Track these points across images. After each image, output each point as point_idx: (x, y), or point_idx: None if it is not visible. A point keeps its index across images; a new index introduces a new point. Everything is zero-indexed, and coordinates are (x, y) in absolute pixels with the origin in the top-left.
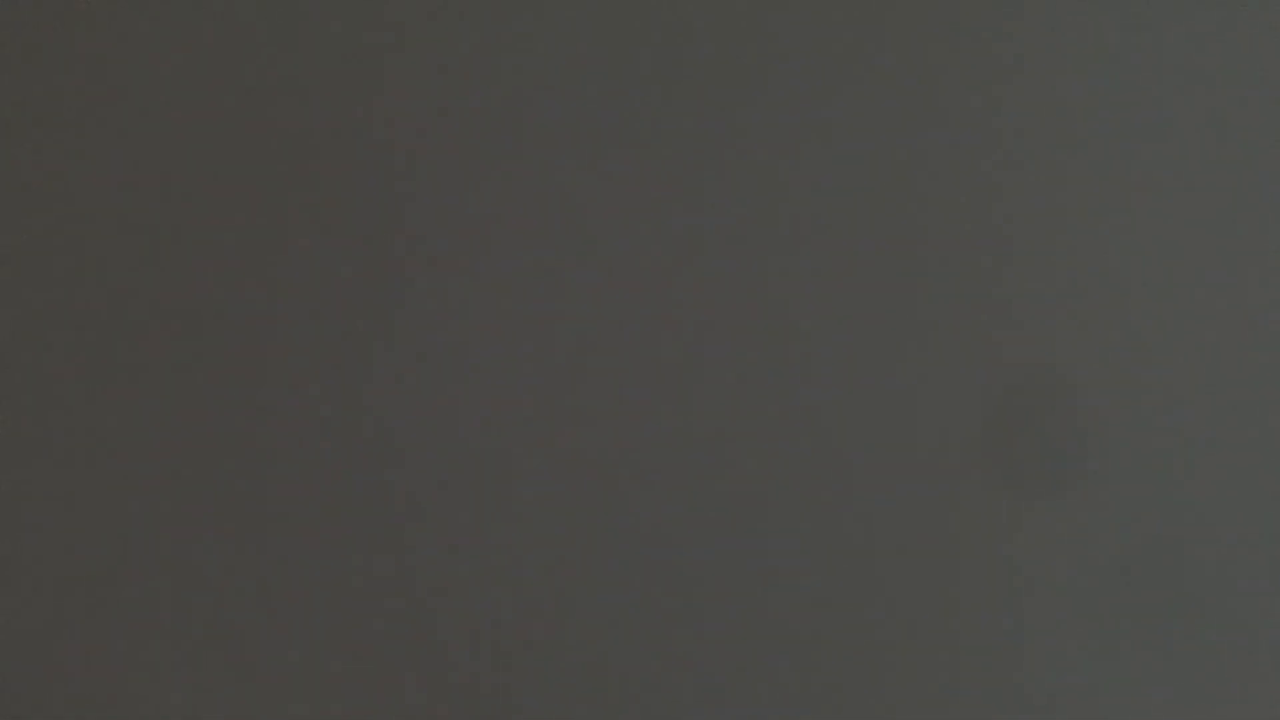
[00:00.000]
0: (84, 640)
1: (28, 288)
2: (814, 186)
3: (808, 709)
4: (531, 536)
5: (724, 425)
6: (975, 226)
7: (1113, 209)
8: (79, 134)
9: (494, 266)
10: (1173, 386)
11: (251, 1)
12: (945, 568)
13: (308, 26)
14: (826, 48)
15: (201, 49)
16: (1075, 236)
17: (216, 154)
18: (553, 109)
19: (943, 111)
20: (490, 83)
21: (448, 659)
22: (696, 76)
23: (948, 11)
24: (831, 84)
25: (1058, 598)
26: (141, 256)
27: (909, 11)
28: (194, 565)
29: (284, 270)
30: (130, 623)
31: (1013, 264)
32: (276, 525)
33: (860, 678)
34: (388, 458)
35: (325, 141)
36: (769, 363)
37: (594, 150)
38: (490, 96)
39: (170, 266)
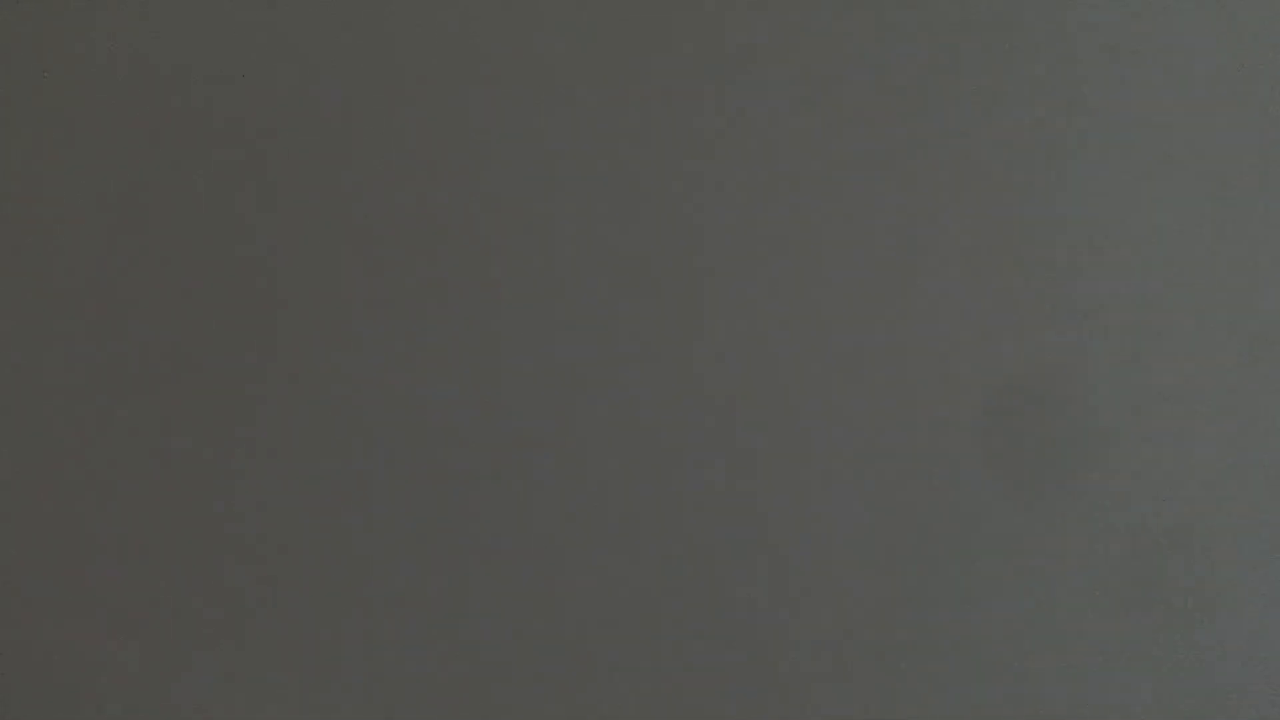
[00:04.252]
0: (84, 640)
1: (27, 287)
2: (814, 187)
3: (809, 708)
4: (532, 537)
5: (724, 426)
6: (976, 226)
7: (1113, 209)
8: (79, 134)
9: (495, 267)
10: (1173, 386)
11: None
12: (945, 567)
13: (308, 26)
14: (828, 46)
15: (201, 49)
16: (1075, 236)
17: (217, 153)
18: (552, 108)
19: (943, 110)
20: (490, 82)
21: (452, 660)
22: (696, 75)
23: (949, 10)
24: (832, 83)
25: (1057, 596)
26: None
27: (911, 10)
28: (196, 566)
29: (285, 270)
30: (132, 623)
31: (1013, 264)
32: (279, 525)
33: (862, 676)
34: (388, 457)
35: (326, 141)
36: (769, 363)
37: (593, 149)
38: (489, 96)
39: (175, 266)
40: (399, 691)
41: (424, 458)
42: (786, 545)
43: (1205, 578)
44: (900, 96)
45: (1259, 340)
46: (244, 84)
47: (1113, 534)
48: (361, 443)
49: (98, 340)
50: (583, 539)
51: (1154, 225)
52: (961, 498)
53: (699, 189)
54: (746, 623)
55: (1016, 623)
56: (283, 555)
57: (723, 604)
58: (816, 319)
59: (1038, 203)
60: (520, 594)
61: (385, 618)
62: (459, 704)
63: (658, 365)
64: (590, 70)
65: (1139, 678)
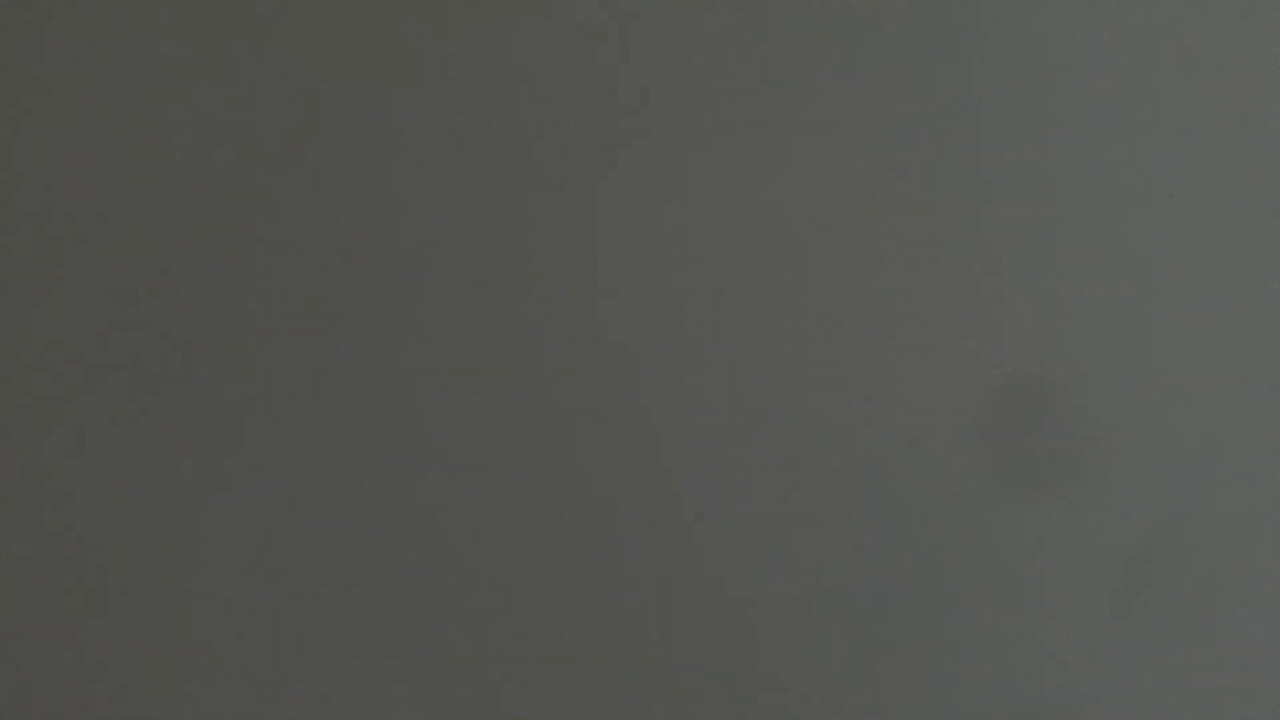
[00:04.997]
0: (85, 641)
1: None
2: (814, 186)
3: (808, 709)
4: (528, 538)
5: (723, 425)
6: (976, 226)
7: (1113, 209)
8: (80, 133)
9: (494, 266)
10: (1172, 386)
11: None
12: (944, 568)
13: (308, 26)
14: (827, 44)
15: (201, 48)
16: (1075, 236)
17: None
18: (552, 106)
19: (943, 110)
20: (491, 81)
21: (453, 660)
22: (695, 72)
23: (949, 9)
24: (832, 82)
25: (1057, 597)
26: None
27: (911, 9)
28: (197, 565)
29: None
30: (133, 623)
31: (1013, 264)
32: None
33: (861, 677)
34: (389, 457)
35: (326, 141)
36: (769, 363)
37: (593, 147)
38: (490, 95)
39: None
40: (395, 692)
41: (420, 458)
42: (785, 545)
43: (1205, 578)
44: (899, 95)
45: (1259, 340)
46: (243, 84)
47: (1113, 534)
48: (357, 444)
49: (96, 340)
50: (580, 537)
51: (1154, 225)
52: (960, 498)
53: (698, 188)
54: (744, 623)
55: (1015, 623)
56: (281, 556)
57: (720, 604)
58: (815, 318)
59: (1037, 202)
60: (519, 595)
61: (381, 619)
62: (455, 704)
63: (656, 364)
64: (589, 71)
65: (1138, 678)
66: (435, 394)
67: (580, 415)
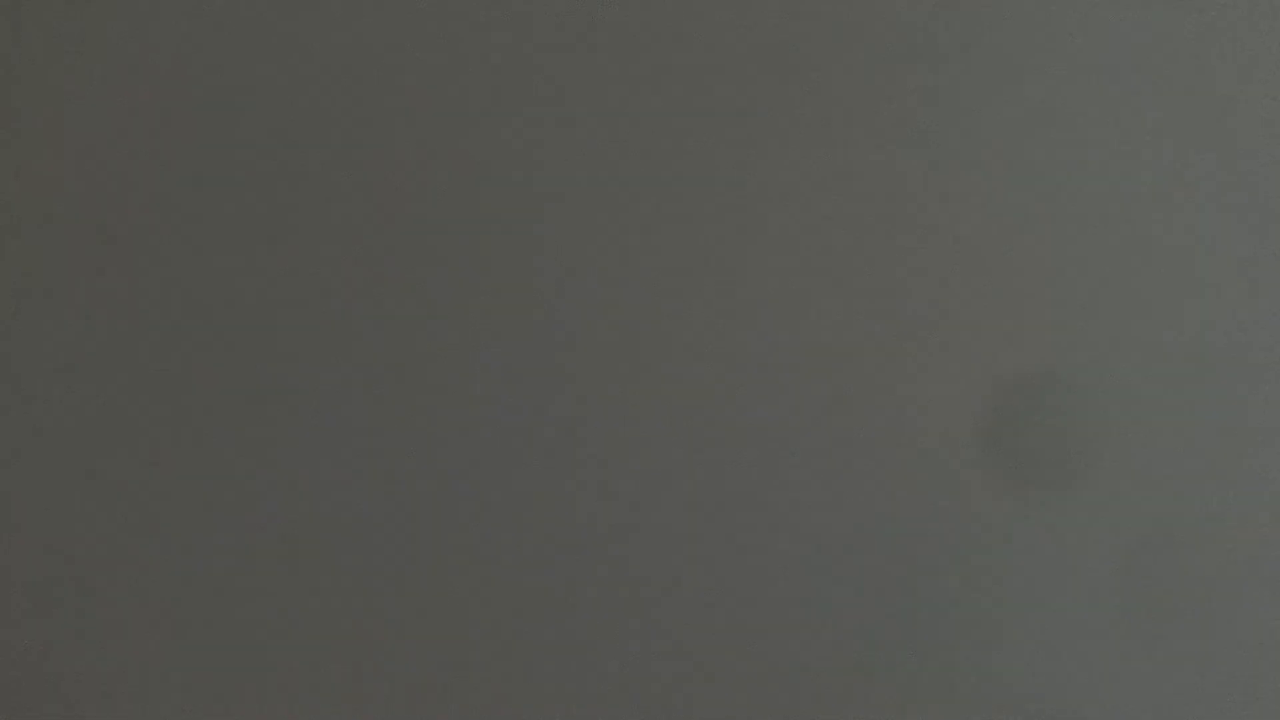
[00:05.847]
0: (85, 640)
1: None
2: (814, 186)
3: (809, 709)
4: (526, 538)
5: (724, 425)
6: (976, 226)
7: (1113, 209)
8: (82, 134)
9: (492, 267)
10: (1172, 386)
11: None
12: (945, 568)
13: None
14: (827, 44)
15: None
16: (1075, 236)
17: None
18: (546, 110)
19: (943, 110)
20: (490, 81)
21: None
22: (694, 73)
23: (948, 9)
24: (832, 82)
25: (1057, 597)
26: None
27: (910, 9)
28: (200, 566)
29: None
30: (135, 624)
31: (1013, 264)
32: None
33: (862, 677)
34: (391, 459)
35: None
36: (769, 363)
37: (594, 149)
38: (489, 94)
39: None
40: (395, 692)
41: (418, 458)
42: (786, 545)
43: (1205, 578)
44: (901, 94)
45: (1259, 340)
46: (242, 84)
47: (1113, 534)
48: (355, 444)
49: (98, 341)
50: (582, 539)
51: (1155, 225)
52: (960, 498)
53: (699, 189)
54: (745, 625)
55: (1015, 623)
56: (281, 556)
57: (721, 605)
58: (816, 319)
59: (1038, 202)
60: (521, 595)
61: (380, 620)
62: (456, 704)
63: (652, 367)
64: (587, 72)
65: (1138, 677)
66: (434, 394)
67: (580, 417)
